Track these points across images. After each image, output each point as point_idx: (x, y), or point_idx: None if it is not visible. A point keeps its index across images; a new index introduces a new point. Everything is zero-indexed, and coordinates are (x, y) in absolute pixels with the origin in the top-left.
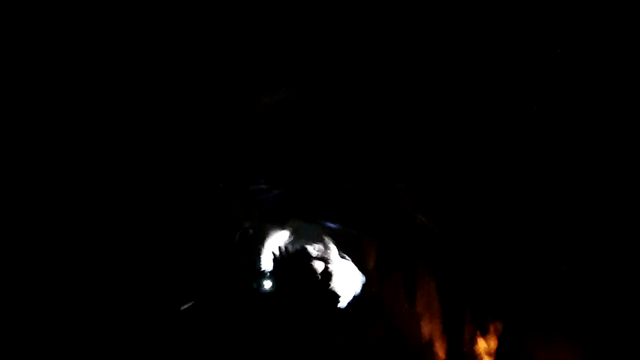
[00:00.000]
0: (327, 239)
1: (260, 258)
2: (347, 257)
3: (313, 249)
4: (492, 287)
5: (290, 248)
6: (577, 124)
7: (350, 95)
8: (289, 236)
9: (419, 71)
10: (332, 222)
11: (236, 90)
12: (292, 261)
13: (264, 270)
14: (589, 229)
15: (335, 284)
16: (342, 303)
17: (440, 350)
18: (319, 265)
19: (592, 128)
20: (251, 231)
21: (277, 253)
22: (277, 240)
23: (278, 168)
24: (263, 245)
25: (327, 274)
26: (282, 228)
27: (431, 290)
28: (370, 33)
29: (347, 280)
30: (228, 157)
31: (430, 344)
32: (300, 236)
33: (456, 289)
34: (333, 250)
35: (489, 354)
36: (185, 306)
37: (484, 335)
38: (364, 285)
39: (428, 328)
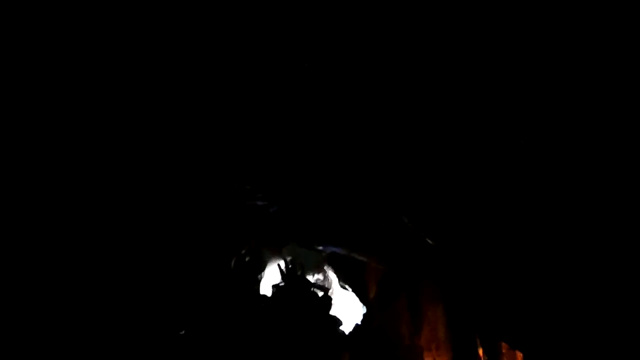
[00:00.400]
0: (326, 268)
1: (257, 286)
2: (347, 287)
3: (312, 278)
4: (506, 314)
5: (288, 276)
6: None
7: (354, 103)
8: (287, 264)
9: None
10: (332, 246)
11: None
12: (291, 290)
13: (261, 299)
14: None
15: (335, 315)
16: (342, 334)
17: None
18: (318, 295)
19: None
20: (248, 258)
21: (275, 281)
22: (274, 268)
23: (276, 181)
24: (260, 273)
25: (326, 305)
26: (280, 255)
27: (438, 318)
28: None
29: (347, 311)
30: (223, 166)
31: None
32: (299, 264)
33: (466, 317)
34: (333, 279)
35: None
36: (181, 332)
37: None
38: (365, 316)
39: None
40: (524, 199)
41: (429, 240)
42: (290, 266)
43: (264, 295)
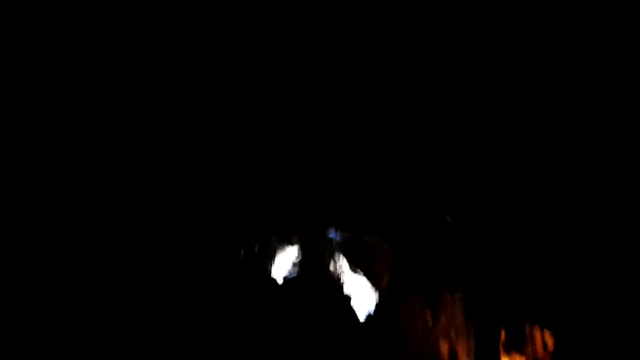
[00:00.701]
0: (338, 254)
1: (267, 276)
2: (360, 272)
3: (324, 265)
4: (531, 295)
5: (299, 265)
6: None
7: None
8: (297, 252)
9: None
10: (343, 230)
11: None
12: (302, 279)
13: (272, 288)
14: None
15: (348, 302)
16: (355, 323)
17: None
18: (330, 283)
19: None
20: (257, 247)
21: (286, 270)
22: (285, 257)
23: (282, 162)
24: (270, 262)
25: (338, 292)
26: (290, 243)
27: (456, 306)
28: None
29: (360, 299)
30: (228, 153)
31: None
32: (310, 251)
33: (487, 300)
34: (345, 266)
35: None
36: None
37: None
38: (377, 304)
39: (448, 352)
40: (546, 179)
41: (448, 218)
42: (301, 255)
43: (276, 284)
